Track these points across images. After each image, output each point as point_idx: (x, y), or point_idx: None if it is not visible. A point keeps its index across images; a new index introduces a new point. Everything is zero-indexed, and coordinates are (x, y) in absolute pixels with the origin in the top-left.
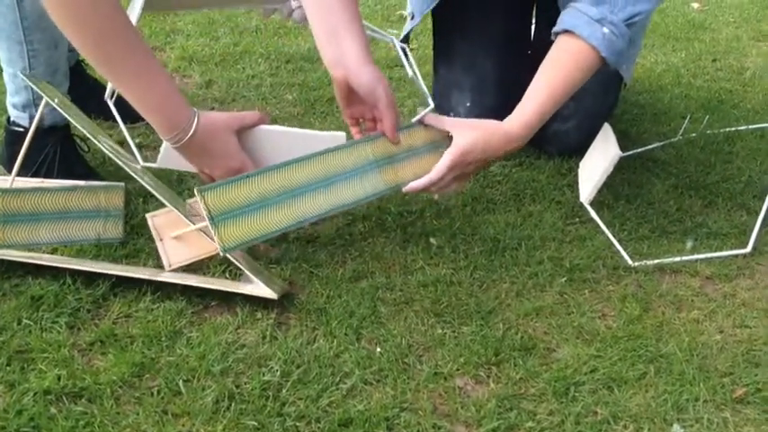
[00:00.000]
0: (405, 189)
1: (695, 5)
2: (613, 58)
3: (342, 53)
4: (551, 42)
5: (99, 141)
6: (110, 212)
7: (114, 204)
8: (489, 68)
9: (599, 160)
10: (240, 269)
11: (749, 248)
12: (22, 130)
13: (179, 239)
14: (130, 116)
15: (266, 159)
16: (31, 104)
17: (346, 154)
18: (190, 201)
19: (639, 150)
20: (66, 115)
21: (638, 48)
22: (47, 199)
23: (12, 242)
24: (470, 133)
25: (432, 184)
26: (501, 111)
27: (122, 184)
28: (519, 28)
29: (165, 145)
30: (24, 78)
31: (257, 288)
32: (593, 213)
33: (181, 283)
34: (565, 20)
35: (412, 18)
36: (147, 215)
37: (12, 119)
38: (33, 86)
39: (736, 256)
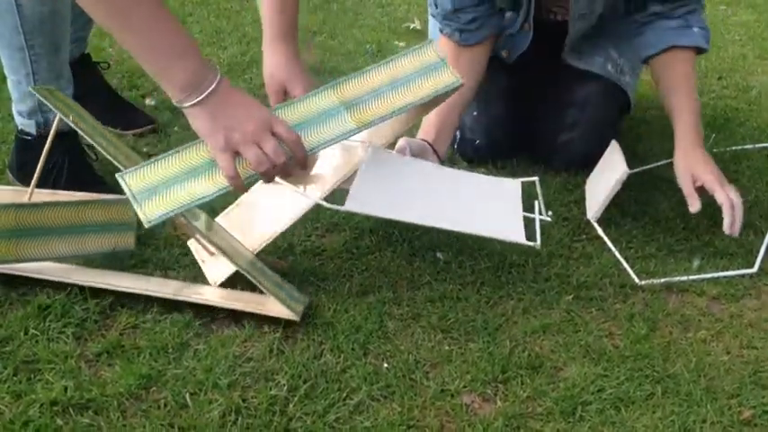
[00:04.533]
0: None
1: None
2: (708, 45)
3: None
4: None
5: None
6: (122, 225)
7: (126, 217)
8: (496, 77)
9: (606, 177)
10: (260, 287)
11: (755, 268)
12: (29, 138)
13: (216, 257)
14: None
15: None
16: (36, 111)
17: (307, 103)
18: (218, 219)
19: (646, 168)
20: (95, 142)
21: (640, 69)
22: (61, 213)
23: (26, 256)
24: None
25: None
26: (507, 120)
27: None
28: None
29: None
30: (35, 92)
31: (276, 307)
32: (600, 231)
33: (205, 303)
34: (653, 42)
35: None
36: (189, 243)
37: (19, 127)
38: (43, 100)
39: (743, 276)
